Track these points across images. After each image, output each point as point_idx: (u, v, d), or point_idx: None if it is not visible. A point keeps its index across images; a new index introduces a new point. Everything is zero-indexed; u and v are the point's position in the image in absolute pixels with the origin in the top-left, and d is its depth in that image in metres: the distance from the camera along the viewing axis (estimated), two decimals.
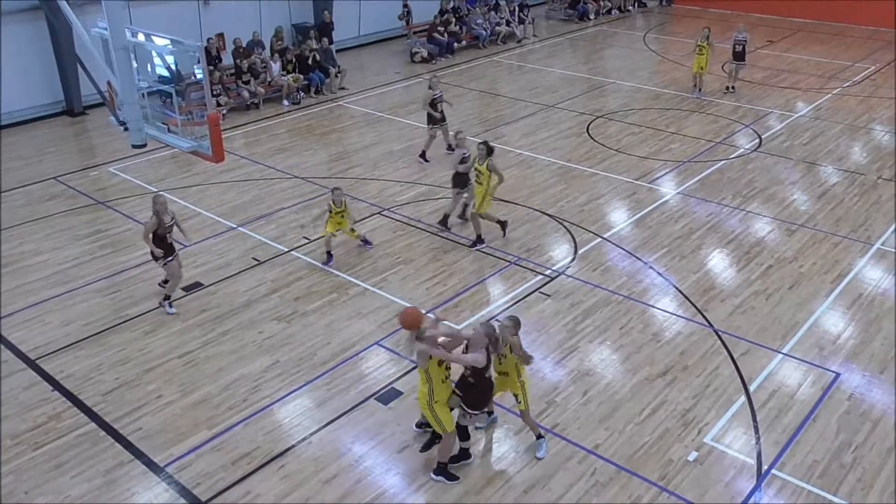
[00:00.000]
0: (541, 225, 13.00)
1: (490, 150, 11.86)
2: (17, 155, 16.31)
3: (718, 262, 11.95)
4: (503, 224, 12.42)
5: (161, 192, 11.12)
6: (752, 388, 9.04)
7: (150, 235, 10.35)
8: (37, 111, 18.25)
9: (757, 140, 16.78)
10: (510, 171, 15.12)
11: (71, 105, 18.51)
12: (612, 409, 8.76)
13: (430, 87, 15.42)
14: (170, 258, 10.59)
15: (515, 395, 8.00)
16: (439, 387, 7.46)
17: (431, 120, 15.42)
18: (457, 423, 7.74)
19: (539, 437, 8.15)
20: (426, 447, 8.06)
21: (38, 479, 7.85)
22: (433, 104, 15.24)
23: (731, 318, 10.43)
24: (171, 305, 10.64)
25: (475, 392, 7.63)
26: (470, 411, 7.70)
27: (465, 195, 12.66)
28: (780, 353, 9.70)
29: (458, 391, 7.69)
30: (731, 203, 13.79)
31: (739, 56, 19.76)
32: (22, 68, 17.73)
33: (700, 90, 19.59)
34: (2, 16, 16.96)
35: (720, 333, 10.07)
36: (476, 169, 12.00)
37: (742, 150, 16.32)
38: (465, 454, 7.95)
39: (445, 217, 12.79)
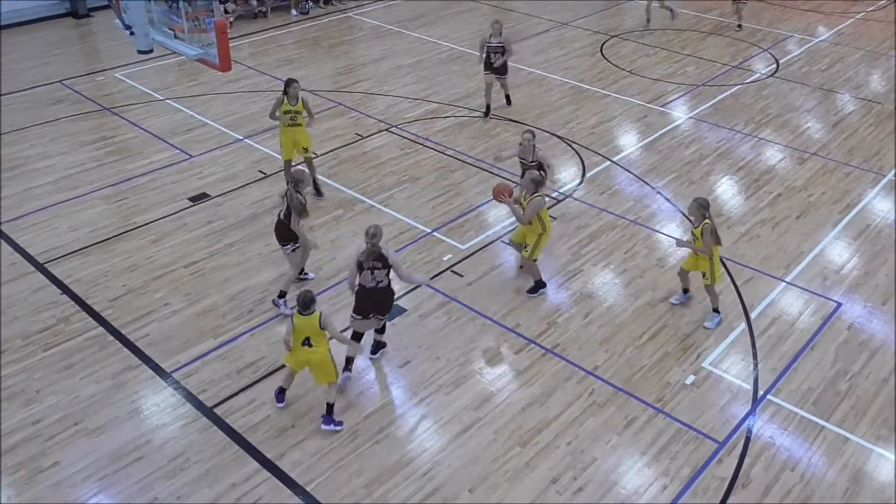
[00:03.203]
0: (550, 146, 12.79)
1: (541, 182, 9.09)
2: (22, 56, 15.98)
3: (727, 189, 11.80)
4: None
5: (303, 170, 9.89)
6: (752, 316, 9.06)
7: (298, 221, 8.67)
8: (41, 11, 17.79)
9: (774, 65, 16.34)
10: (521, 89, 14.83)
11: (75, 6, 18.04)
12: (612, 331, 8.81)
13: (490, 35, 13.20)
14: (297, 244, 8.88)
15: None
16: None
17: (485, 66, 13.40)
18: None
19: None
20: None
21: (48, 379, 7.98)
22: (487, 53, 13.18)
23: (736, 245, 10.37)
24: (286, 303, 8.99)
25: None
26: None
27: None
28: (783, 281, 9.68)
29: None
30: (744, 129, 13.53)
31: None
32: None
33: (648, 21, 18.40)
34: None
35: (725, 260, 10.02)
36: (520, 203, 9.12)
37: (758, 74, 15.91)
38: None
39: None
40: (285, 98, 10.41)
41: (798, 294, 9.50)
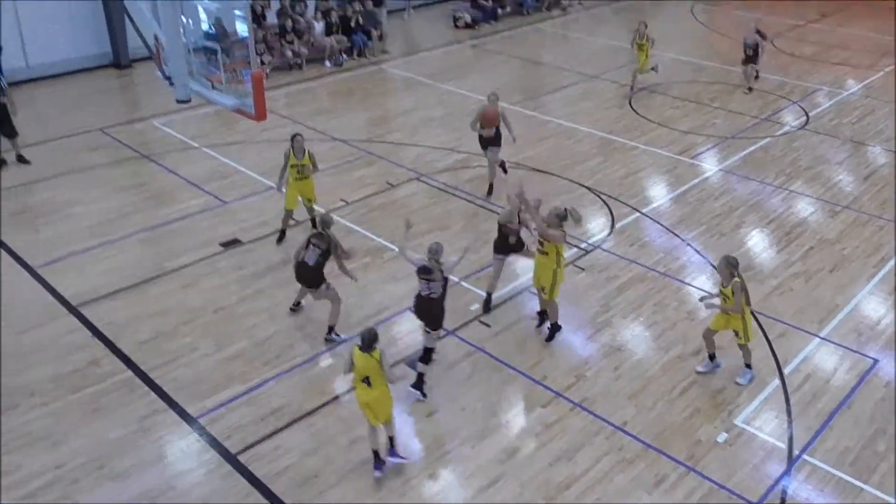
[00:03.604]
0: (578, 197, 12.77)
1: (564, 217, 8.94)
2: (65, 104, 16.45)
3: (758, 242, 11.65)
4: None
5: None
6: (786, 371, 8.83)
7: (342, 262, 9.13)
8: (85, 61, 18.36)
9: (804, 117, 16.26)
10: (548, 141, 14.90)
11: (118, 57, 18.59)
12: (642, 385, 8.63)
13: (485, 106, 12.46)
14: (329, 282, 9.19)
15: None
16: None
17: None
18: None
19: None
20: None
21: (76, 422, 7.99)
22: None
23: (768, 298, 10.18)
24: (337, 334, 9.30)
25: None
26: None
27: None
28: (817, 336, 9.46)
29: None
30: (774, 182, 13.41)
31: (751, 59, 17.55)
32: (72, 18, 17.81)
33: (632, 89, 17.50)
34: None
35: (756, 314, 9.83)
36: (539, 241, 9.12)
37: (788, 127, 15.84)
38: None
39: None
40: (291, 152, 10.60)
41: (833, 350, 9.26)
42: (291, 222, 11.30)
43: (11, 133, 13.38)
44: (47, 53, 17.69)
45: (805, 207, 12.62)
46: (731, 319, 8.43)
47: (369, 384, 7.08)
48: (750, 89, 17.69)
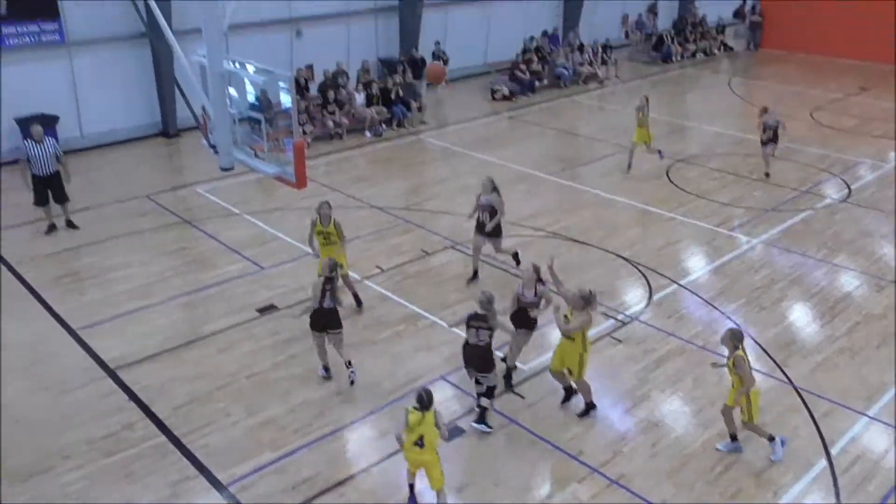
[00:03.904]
0: (615, 268, 12.69)
1: (589, 300, 8.80)
2: (114, 171, 17.01)
3: (801, 316, 11.39)
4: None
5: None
6: (833, 452, 8.50)
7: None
8: (136, 131, 19.05)
9: (846, 190, 16.08)
10: (585, 211, 14.92)
11: (167, 127, 19.26)
12: (681, 463, 8.36)
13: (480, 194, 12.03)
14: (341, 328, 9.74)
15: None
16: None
17: (476, 227, 12.15)
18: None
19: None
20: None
21: (108, 486, 7.98)
22: (479, 212, 11.99)
23: (812, 375, 9.89)
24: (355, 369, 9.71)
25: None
26: None
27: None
28: (865, 415, 9.11)
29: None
30: (816, 255, 13.19)
31: (772, 141, 16.58)
32: (126, 90, 18.59)
33: (660, 151, 17.02)
34: (111, 41, 17.85)
35: (800, 391, 9.55)
36: (566, 316, 8.84)
37: (829, 199, 15.66)
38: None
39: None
40: (318, 219, 10.83)
41: (882, 429, 8.91)
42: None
43: (63, 199, 13.83)
44: (101, 124, 18.42)
45: (849, 281, 12.35)
46: (741, 398, 8.16)
47: (422, 445, 7.19)
48: (767, 175, 16.69)
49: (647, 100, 16.81)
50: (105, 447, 8.55)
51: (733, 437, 8.48)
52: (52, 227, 13.83)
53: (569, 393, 9.28)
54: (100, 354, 10.23)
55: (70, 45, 17.35)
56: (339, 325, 9.53)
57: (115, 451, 8.48)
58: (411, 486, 7.71)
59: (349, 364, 9.62)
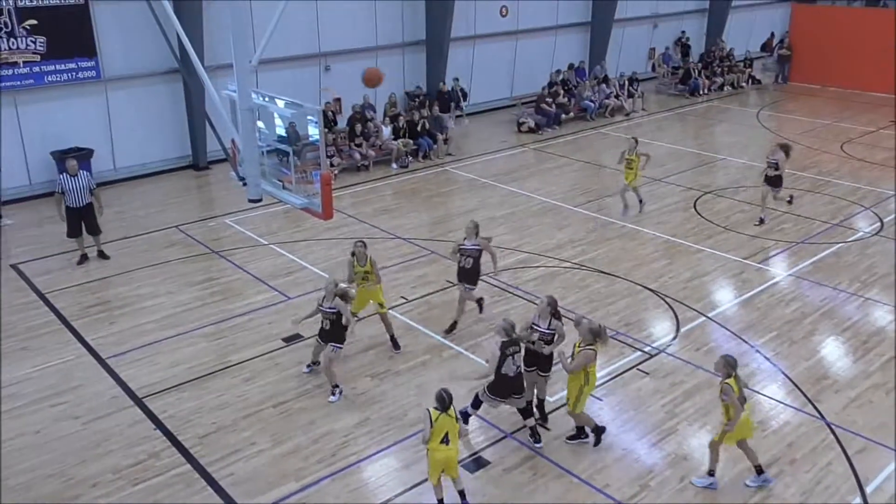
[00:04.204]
0: (642, 299, 12.62)
1: (598, 333, 8.75)
2: (145, 203, 17.34)
3: (833, 350, 11.21)
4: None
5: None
6: (868, 490, 8.30)
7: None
8: (166, 164, 19.44)
9: (878, 223, 15.88)
10: (612, 242, 14.89)
11: (197, 160, 19.64)
12: (709, 498, 8.23)
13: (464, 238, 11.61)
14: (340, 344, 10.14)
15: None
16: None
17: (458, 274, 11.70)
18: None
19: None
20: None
21: None
22: (460, 257, 11.48)
23: (845, 411, 9.70)
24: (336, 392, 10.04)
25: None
26: None
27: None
28: None
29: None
30: (849, 288, 13.00)
31: (774, 181, 15.63)
32: (158, 124, 19.03)
33: (627, 207, 16.21)
34: (145, 77, 18.35)
35: (833, 427, 9.37)
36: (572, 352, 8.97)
37: (861, 233, 15.46)
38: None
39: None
40: (354, 259, 10.86)
41: None
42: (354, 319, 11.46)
43: (95, 230, 14.13)
44: (133, 157, 18.84)
45: (883, 316, 12.14)
46: (740, 428, 8.09)
47: (447, 442, 7.66)
48: (762, 220, 15.69)
49: (637, 141, 16.11)
50: (132, 475, 8.62)
51: (760, 470, 8.39)
52: (84, 258, 14.11)
53: (598, 433, 9.12)
54: (128, 383, 10.37)
55: (106, 81, 17.85)
56: (335, 340, 9.98)
57: (142, 480, 8.55)
58: (440, 501, 7.93)
59: (313, 362, 10.45)
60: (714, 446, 8.29)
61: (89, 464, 8.81)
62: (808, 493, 8.27)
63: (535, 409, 9.36)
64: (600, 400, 9.85)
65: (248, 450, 9.04)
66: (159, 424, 9.50)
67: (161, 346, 11.32)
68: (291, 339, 11.41)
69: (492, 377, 8.80)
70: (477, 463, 8.77)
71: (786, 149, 15.66)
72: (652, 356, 10.95)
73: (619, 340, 11.35)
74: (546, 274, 13.57)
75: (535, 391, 9.46)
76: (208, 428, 9.43)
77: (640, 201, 16.39)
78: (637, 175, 16.05)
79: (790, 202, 16.51)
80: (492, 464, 8.74)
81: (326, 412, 9.72)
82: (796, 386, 10.24)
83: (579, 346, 8.71)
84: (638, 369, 10.61)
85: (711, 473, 8.34)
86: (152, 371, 10.65)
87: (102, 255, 14.32)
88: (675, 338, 11.47)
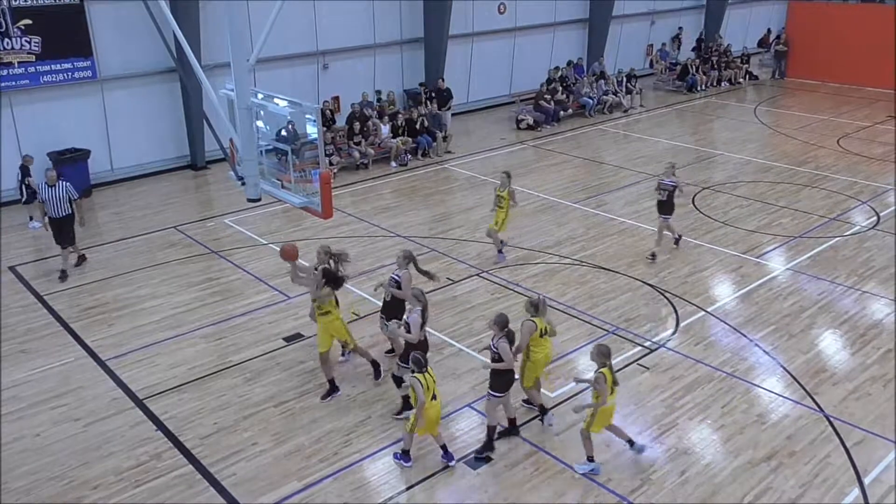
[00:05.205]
0: (642, 295, 12.67)
1: (537, 307, 9.21)
2: (143, 204, 17.36)
3: (831, 344, 11.27)
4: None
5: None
6: (866, 481, 8.36)
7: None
8: (164, 164, 19.47)
9: (875, 217, 15.94)
10: (612, 238, 14.93)
11: (195, 159, 19.66)
12: (711, 492, 8.28)
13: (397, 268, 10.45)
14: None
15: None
16: None
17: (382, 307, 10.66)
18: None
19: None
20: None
21: None
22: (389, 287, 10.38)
23: (843, 403, 9.76)
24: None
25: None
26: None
27: None
28: None
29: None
30: (846, 282, 13.06)
31: (664, 207, 13.82)
32: (155, 124, 19.05)
33: (501, 252, 14.08)
34: (141, 76, 18.35)
35: (831, 419, 9.43)
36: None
37: (858, 227, 15.52)
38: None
39: None
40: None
41: None
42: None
43: (68, 241, 13.60)
44: (131, 157, 18.87)
45: (880, 309, 12.20)
46: (605, 416, 8.32)
47: (435, 398, 8.29)
48: (653, 255, 13.83)
49: (509, 176, 13.87)
50: (133, 477, 8.66)
51: (590, 459, 8.56)
52: (63, 274, 13.55)
53: (543, 410, 9.40)
54: (128, 385, 10.40)
55: (102, 81, 17.86)
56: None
57: (144, 482, 8.58)
58: (444, 447, 8.66)
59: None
60: (585, 433, 8.47)
61: (91, 466, 8.84)
62: (807, 485, 8.33)
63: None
64: (552, 426, 9.79)
65: (249, 450, 9.07)
66: (160, 426, 9.53)
67: (161, 347, 11.35)
68: (292, 339, 11.45)
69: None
70: (479, 459, 8.81)
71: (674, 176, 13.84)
72: (652, 351, 11.00)
73: (620, 336, 11.39)
74: (546, 270, 13.62)
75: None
76: (210, 428, 9.47)
77: (502, 242, 14.12)
78: (507, 216, 13.71)
79: (676, 243, 14.31)
80: (494, 460, 8.78)
81: (328, 412, 9.76)
82: (795, 379, 10.29)
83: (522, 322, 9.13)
84: (638, 364, 10.66)
85: (591, 459, 8.53)
86: (153, 372, 10.69)
87: (81, 261, 14.00)
88: (674, 332, 11.52)
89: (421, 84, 22.62)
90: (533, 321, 9.04)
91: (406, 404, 9.46)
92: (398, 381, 9.70)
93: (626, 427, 9.21)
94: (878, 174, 18.78)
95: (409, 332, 9.21)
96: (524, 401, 9.60)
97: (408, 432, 8.60)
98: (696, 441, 9.12)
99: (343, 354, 10.75)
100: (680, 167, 18.84)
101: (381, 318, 10.47)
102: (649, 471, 8.61)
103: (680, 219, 15.91)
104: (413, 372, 8.34)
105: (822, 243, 14.67)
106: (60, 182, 13.52)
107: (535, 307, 9.13)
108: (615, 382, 8.32)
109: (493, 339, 8.71)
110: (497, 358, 8.62)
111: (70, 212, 13.52)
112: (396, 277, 10.18)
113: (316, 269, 10.10)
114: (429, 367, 8.39)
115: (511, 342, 8.70)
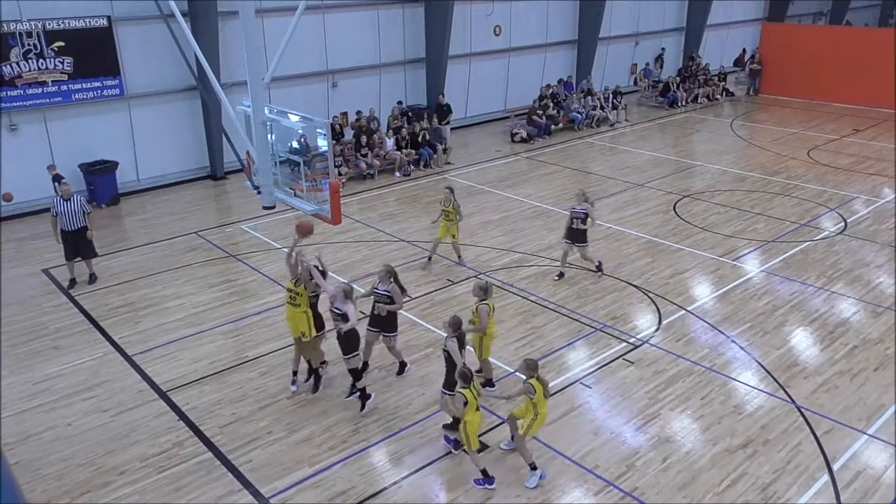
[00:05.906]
0: (627, 295, 12.67)
1: (486, 291, 9.48)
2: (167, 211, 17.37)
3: (802, 340, 11.27)
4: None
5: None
6: (835, 468, 8.36)
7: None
8: (186, 174, 19.48)
9: (842, 223, 15.94)
10: (599, 243, 14.94)
11: (214, 170, 19.67)
12: (691, 477, 8.28)
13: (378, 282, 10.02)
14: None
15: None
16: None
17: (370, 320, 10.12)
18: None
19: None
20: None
21: (159, 500, 8.07)
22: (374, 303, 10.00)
23: (814, 395, 9.76)
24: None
25: None
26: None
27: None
28: (865, 434, 8.96)
29: None
30: (816, 283, 13.07)
31: (576, 235, 12.82)
32: (178, 137, 19.06)
33: (461, 258, 13.86)
34: (165, 94, 18.39)
35: (802, 410, 9.43)
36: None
37: (827, 232, 15.53)
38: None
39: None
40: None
41: (882, 448, 8.75)
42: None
43: (88, 254, 13.33)
44: (155, 168, 18.89)
45: (847, 308, 12.21)
46: (539, 423, 8.12)
47: (478, 409, 8.04)
48: (561, 275, 12.98)
49: (452, 191, 13.47)
50: (157, 463, 8.66)
51: (533, 467, 8.22)
52: (72, 282, 13.30)
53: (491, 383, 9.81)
54: (153, 378, 10.40)
55: (129, 98, 17.89)
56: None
57: (167, 468, 8.59)
58: (485, 471, 8.23)
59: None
60: (521, 442, 8.17)
61: (118, 453, 8.84)
62: (780, 470, 8.32)
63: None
64: (589, 388, 9.90)
65: (265, 438, 9.07)
66: (182, 416, 9.53)
67: (183, 343, 11.35)
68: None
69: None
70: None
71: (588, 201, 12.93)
72: (636, 346, 11.00)
73: (607, 333, 11.40)
74: (538, 273, 13.62)
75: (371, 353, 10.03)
76: (228, 419, 9.47)
77: (459, 257, 13.89)
78: (457, 228, 13.46)
79: (598, 269, 13.26)
80: (491, 447, 8.77)
81: (338, 402, 9.76)
82: (768, 373, 10.29)
83: (476, 306, 9.41)
84: (624, 359, 10.66)
85: (534, 468, 8.18)
86: (175, 366, 10.69)
87: (92, 278, 13.46)
88: (657, 329, 11.52)
89: (413, 109, 22.49)
90: (486, 303, 9.34)
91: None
92: (356, 375, 9.52)
93: (612, 417, 9.23)
94: (846, 183, 18.79)
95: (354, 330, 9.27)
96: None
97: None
98: (678, 430, 9.12)
99: (293, 384, 10.03)
100: (662, 177, 18.93)
101: (370, 332, 9.99)
102: (634, 458, 8.61)
103: (662, 225, 15.93)
104: (459, 387, 8.01)
105: (793, 247, 14.67)
106: (76, 196, 13.17)
107: (485, 291, 9.43)
108: (546, 394, 8.04)
109: (445, 339, 8.65)
110: (448, 356, 8.60)
111: (84, 224, 13.04)
112: (386, 293, 9.71)
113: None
114: (474, 381, 8.02)
115: (461, 343, 8.60)
